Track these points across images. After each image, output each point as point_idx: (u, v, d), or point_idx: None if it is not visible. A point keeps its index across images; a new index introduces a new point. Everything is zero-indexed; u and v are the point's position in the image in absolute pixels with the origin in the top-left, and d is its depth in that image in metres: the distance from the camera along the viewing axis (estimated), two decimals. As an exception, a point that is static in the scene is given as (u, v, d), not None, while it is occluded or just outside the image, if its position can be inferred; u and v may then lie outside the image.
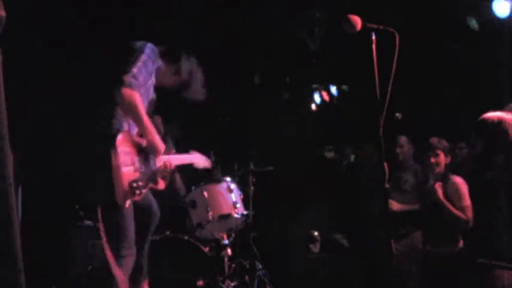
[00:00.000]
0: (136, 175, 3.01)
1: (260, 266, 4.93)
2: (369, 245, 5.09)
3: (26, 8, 4.32)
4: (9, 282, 1.79)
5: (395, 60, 2.75)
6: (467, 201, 4.44)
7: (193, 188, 4.71)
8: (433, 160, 4.65)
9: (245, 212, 4.71)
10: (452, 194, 4.49)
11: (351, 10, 2.85)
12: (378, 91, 2.75)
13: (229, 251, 4.56)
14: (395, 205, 4.95)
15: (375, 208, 5.16)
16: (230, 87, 6.06)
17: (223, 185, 4.67)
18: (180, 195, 5.27)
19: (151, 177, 3.19)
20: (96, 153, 2.91)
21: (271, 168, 5.44)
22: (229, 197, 4.61)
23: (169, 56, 3.42)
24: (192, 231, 4.57)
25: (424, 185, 4.80)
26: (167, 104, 5.96)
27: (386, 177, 2.67)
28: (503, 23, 5.36)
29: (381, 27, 2.79)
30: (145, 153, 3.16)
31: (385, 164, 2.67)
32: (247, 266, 4.90)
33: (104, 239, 2.97)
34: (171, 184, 5.49)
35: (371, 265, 5.04)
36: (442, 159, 4.64)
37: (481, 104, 4.67)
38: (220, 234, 4.62)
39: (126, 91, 2.92)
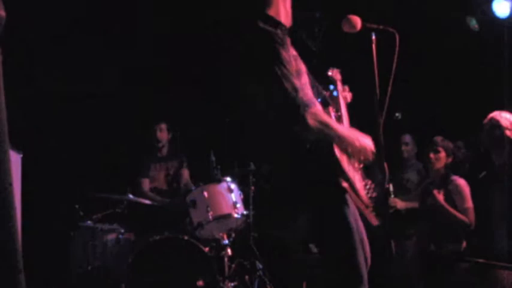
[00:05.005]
0: (360, 176, 2.60)
1: (260, 266, 4.92)
2: (369, 245, 5.08)
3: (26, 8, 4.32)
4: (10, 282, 1.79)
5: (395, 60, 2.75)
6: (469, 203, 4.45)
7: (193, 188, 4.72)
8: (432, 156, 4.65)
9: (245, 212, 4.71)
10: (455, 196, 4.48)
11: (351, 10, 2.85)
12: (378, 91, 2.75)
13: (229, 251, 4.56)
14: (399, 203, 4.95)
15: (375, 208, 5.15)
16: (230, 87, 6.06)
17: (223, 185, 4.67)
18: (184, 190, 5.25)
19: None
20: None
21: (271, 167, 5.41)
22: (229, 197, 4.61)
23: None
24: (192, 231, 4.57)
25: (426, 186, 4.79)
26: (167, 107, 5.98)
27: (387, 177, 2.67)
28: (503, 23, 5.36)
29: (381, 27, 2.79)
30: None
31: (385, 164, 2.67)
32: (247, 266, 4.90)
33: None
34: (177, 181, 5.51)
35: (371, 265, 5.03)
36: (443, 156, 4.64)
37: (481, 104, 4.68)
38: (220, 234, 4.62)
39: None
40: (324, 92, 2.77)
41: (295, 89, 2.36)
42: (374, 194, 2.59)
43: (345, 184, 2.40)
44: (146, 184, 5.37)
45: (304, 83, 2.49)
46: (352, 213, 2.47)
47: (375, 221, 2.54)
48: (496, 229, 3.90)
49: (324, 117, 2.40)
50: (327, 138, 2.39)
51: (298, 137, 2.39)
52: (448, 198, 4.48)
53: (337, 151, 2.40)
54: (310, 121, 2.32)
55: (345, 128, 2.54)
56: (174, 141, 5.62)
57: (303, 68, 2.58)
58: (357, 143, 2.45)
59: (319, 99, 2.67)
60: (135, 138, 5.80)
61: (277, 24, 2.53)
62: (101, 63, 5.72)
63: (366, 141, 2.51)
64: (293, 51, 2.56)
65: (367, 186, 2.59)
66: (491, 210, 3.94)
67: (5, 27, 1.85)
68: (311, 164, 2.40)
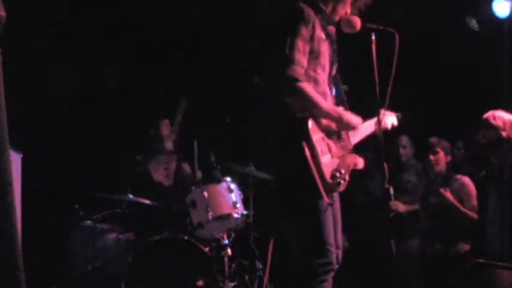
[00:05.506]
0: (336, 162, 2.69)
1: (260, 266, 4.92)
2: (369, 245, 5.09)
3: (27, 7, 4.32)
4: (10, 282, 1.79)
5: (395, 60, 2.75)
6: (475, 201, 4.46)
7: (193, 188, 4.71)
8: (432, 158, 4.66)
9: (245, 212, 4.71)
10: (461, 194, 4.49)
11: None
12: (377, 91, 2.75)
13: (229, 251, 4.56)
14: (401, 206, 4.95)
15: (375, 209, 5.16)
16: (230, 87, 6.06)
17: (223, 185, 4.67)
18: (185, 182, 5.23)
19: (350, 159, 2.78)
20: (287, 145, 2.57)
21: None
22: (229, 197, 4.61)
23: None
24: (192, 231, 4.57)
25: (427, 186, 4.79)
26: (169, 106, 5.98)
27: (387, 177, 2.67)
28: (503, 23, 5.36)
29: (381, 27, 2.79)
30: (336, 133, 2.79)
31: (385, 165, 2.67)
32: (247, 266, 4.90)
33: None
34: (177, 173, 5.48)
35: (371, 265, 5.04)
36: (442, 157, 4.65)
37: (481, 104, 4.69)
38: (220, 234, 4.62)
39: None
40: (342, 88, 2.84)
41: (292, 60, 2.53)
42: (342, 182, 2.66)
43: (306, 150, 2.48)
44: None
45: (318, 65, 2.64)
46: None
47: (327, 199, 2.60)
48: (491, 229, 3.90)
49: (309, 90, 2.55)
50: (308, 109, 2.57)
51: (282, 105, 2.58)
52: (454, 197, 4.48)
53: (313, 127, 2.54)
54: (292, 90, 2.52)
55: (327, 103, 2.67)
56: (174, 139, 5.60)
57: (324, 53, 2.70)
58: (336, 115, 2.68)
59: (334, 90, 2.82)
60: (135, 138, 5.79)
61: (315, 5, 2.69)
62: (101, 63, 5.72)
63: (350, 117, 2.74)
64: (321, 34, 2.68)
65: (341, 175, 2.66)
66: (487, 210, 3.95)
67: (5, 27, 1.85)
68: (285, 125, 2.58)
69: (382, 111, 2.84)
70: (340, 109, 2.79)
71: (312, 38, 2.60)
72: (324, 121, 2.68)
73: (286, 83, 2.54)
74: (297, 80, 2.53)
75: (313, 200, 2.56)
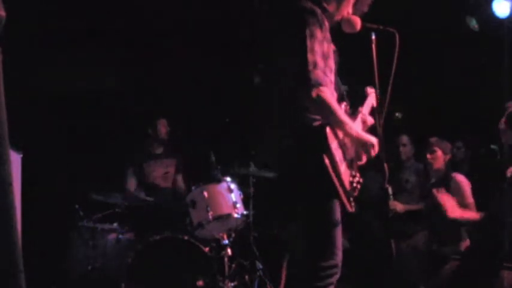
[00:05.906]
0: (348, 168, 2.65)
1: (260, 266, 4.93)
2: (369, 245, 5.09)
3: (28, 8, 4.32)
4: (10, 282, 1.79)
5: (395, 60, 2.75)
6: (470, 199, 4.46)
7: (193, 188, 4.71)
8: (429, 156, 4.67)
9: (245, 212, 4.71)
10: (455, 193, 4.49)
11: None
12: (377, 91, 2.75)
13: (229, 251, 4.56)
14: (399, 206, 4.95)
15: (375, 208, 5.16)
16: (230, 87, 6.07)
17: (223, 185, 4.67)
18: (181, 196, 5.27)
19: (357, 157, 2.72)
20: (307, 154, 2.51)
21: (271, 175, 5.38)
22: (229, 197, 4.61)
23: None
24: (192, 231, 4.57)
25: (429, 186, 4.80)
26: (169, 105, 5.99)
27: (387, 177, 2.67)
28: (503, 23, 5.37)
29: (381, 27, 2.79)
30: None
31: (385, 165, 2.67)
32: (247, 266, 4.90)
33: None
34: (173, 184, 5.49)
35: (371, 265, 5.04)
36: (440, 156, 4.65)
37: (481, 104, 4.70)
38: (220, 234, 4.62)
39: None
40: (343, 88, 2.82)
41: (315, 64, 2.50)
42: (358, 186, 2.64)
43: (326, 161, 2.45)
44: (132, 185, 5.33)
45: (327, 67, 2.60)
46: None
47: (350, 208, 2.57)
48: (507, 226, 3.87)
49: (329, 98, 2.51)
50: (326, 117, 2.53)
51: (300, 108, 2.53)
52: (451, 195, 4.48)
53: (330, 135, 2.50)
54: (314, 94, 2.47)
55: (345, 116, 2.60)
56: (172, 140, 5.59)
57: (331, 54, 2.66)
58: (354, 133, 2.60)
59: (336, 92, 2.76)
60: (136, 138, 5.79)
61: (319, 4, 2.67)
62: (101, 63, 5.72)
63: (366, 136, 2.66)
64: (328, 35, 2.65)
65: (356, 179, 2.64)
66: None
67: (5, 27, 1.85)
68: (302, 134, 2.54)
69: (371, 90, 2.89)
70: (358, 127, 2.75)
71: (323, 40, 2.57)
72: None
73: (311, 87, 2.47)
74: (320, 84, 2.48)
75: (328, 202, 2.54)
